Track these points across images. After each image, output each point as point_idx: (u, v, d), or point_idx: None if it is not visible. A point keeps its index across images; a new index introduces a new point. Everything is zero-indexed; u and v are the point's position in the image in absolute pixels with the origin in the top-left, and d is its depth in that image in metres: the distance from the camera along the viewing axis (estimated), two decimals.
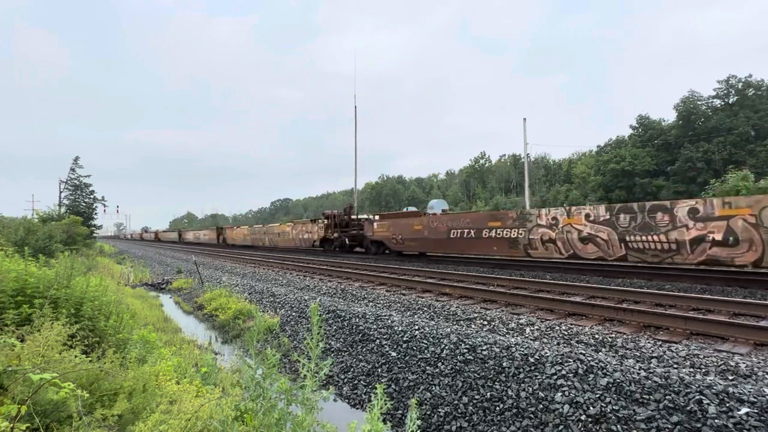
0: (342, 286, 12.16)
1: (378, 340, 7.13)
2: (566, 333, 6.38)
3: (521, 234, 14.73)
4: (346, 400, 6.26)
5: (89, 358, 3.32)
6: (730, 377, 4.49)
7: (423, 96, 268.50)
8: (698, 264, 10.57)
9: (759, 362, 4.84)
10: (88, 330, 3.97)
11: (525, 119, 34.08)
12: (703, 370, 4.73)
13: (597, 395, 4.38)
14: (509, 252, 15.24)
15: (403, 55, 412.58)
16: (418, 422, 5.20)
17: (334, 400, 6.27)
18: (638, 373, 4.39)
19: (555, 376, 4.79)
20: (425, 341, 6.42)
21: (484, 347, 5.70)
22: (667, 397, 4.04)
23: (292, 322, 9.44)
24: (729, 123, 51.24)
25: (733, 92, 53.97)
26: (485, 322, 7.33)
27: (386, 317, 7.80)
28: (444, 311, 8.32)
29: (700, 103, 55.55)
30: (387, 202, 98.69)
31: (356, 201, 44.65)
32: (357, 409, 6.00)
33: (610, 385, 4.40)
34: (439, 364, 5.88)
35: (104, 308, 4.45)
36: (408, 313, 8.55)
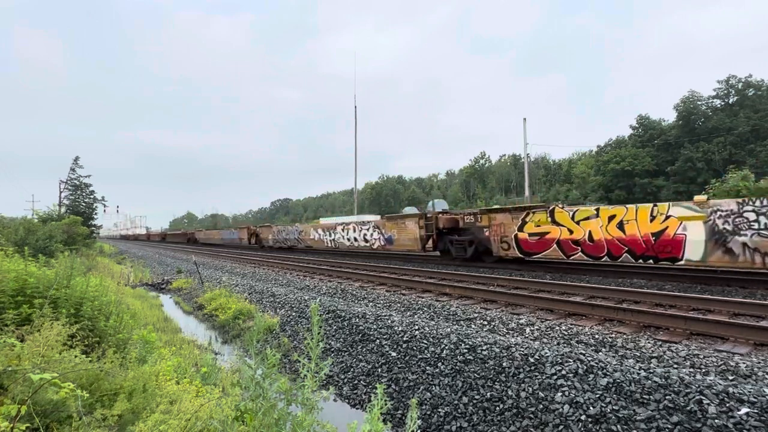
0: (342, 286, 12.16)
1: (378, 340, 7.12)
2: (566, 333, 6.38)
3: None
4: (346, 400, 6.26)
5: (89, 358, 3.33)
6: (730, 377, 4.49)
7: (421, 96, 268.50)
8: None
9: (759, 362, 4.84)
10: (88, 330, 3.98)
11: (525, 119, 34.14)
12: (703, 370, 4.73)
13: (597, 395, 4.38)
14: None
15: (401, 55, 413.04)
16: (419, 422, 5.21)
17: (334, 400, 6.27)
18: (638, 373, 4.39)
19: (555, 376, 4.79)
20: (425, 341, 6.42)
21: (484, 347, 5.70)
22: (667, 397, 4.04)
23: (292, 322, 9.44)
24: (729, 123, 51.24)
25: (733, 92, 53.96)
26: (485, 322, 7.33)
27: (386, 317, 7.80)
28: (444, 311, 8.32)
29: (700, 103, 55.55)
30: (387, 202, 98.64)
31: (356, 201, 44.65)
32: (357, 409, 6.00)
33: (610, 385, 4.40)
34: (439, 364, 5.88)
35: (104, 308, 4.45)
36: (408, 313, 8.55)
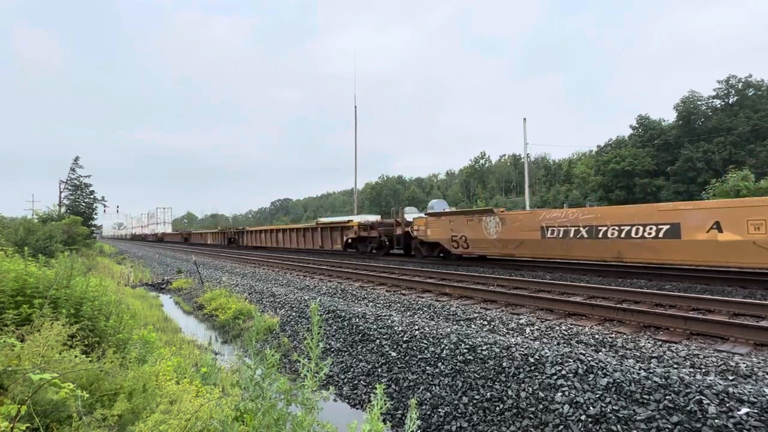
0: (342, 286, 12.16)
1: (378, 340, 7.13)
2: (566, 333, 6.38)
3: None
4: (346, 400, 6.27)
5: (89, 358, 3.33)
6: (730, 377, 4.49)
7: (421, 96, 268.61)
8: None
9: (759, 362, 4.84)
10: (88, 330, 3.97)
11: (525, 119, 34.13)
12: (703, 370, 4.73)
13: (597, 395, 4.38)
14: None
15: (401, 55, 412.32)
16: (418, 422, 5.20)
17: (334, 400, 6.27)
18: (638, 373, 4.39)
19: (555, 376, 4.79)
20: (425, 341, 6.42)
21: (484, 347, 5.70)
22: (667, 397, 4.04)
23: (292, 322, 9.44)
24: (729, 123, 51.23)
25: (733, 92, 53.94)
26: (485, 322, 7.33)
27: (386, 317, 7.80)
28: (444, 311, 8.32)
29: (700, 103, 55.53)
30: (387, 203, 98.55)
31: (356, 201, 44.67)
32: (357, 409, 6.00)
33: (610, 385, 4.40)
34: (439, 364, 5.88)
35: (104, 308, 4.45)
36: (408, 313, 8.55)
